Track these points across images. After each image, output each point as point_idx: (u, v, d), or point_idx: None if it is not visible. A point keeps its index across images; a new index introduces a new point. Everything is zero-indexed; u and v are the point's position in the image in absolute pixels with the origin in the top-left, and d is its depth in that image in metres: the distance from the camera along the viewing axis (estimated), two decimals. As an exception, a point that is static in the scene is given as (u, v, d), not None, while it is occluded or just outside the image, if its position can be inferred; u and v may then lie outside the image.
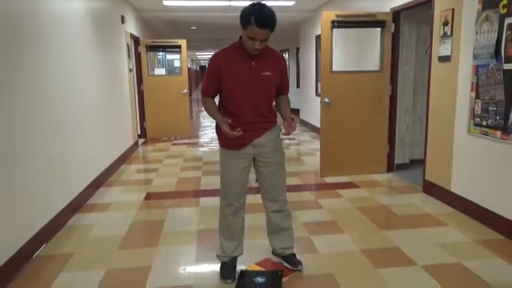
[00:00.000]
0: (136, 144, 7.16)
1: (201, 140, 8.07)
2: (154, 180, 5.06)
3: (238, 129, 2.29)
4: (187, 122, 8.47)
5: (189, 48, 9.31)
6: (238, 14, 2.22)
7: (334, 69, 4.79)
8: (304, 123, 9.64)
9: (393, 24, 4.79)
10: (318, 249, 2.97)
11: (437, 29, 3.88)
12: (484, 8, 3.21)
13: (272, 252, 2.78)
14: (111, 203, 4.12)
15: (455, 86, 3.64)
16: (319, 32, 5.61)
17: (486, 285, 2.43)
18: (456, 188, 3.72)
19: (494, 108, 3.15)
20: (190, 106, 12.18)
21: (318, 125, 5.39)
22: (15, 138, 2.78)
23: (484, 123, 3.27)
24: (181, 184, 4.84)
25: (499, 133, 3.12)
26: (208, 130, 9.39)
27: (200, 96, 2.72)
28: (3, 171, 2.60)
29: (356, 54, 5.90)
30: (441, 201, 3.91)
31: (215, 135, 2.60)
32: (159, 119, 8.15)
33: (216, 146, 6.94)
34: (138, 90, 7.90)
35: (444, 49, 3.78)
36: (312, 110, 8.52)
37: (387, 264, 2.72)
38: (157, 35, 10.56)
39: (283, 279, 2.51)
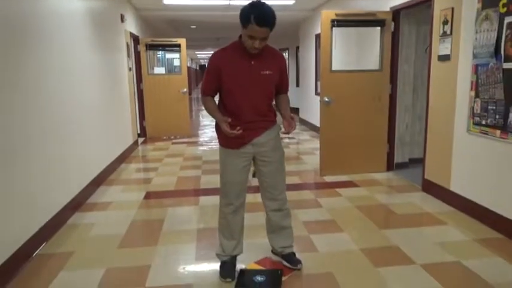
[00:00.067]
0: (136, 143, 7.16)
1: (201, 139, 8.07)
2: (154, 179, 5.06)
3: (238, 128, 2.29)
4: (187, 121, 8.47)
5: (188, 47, 9.31)
6: (238, 12, 2.22)
7: (333, 68, 4.79)
8: (303, 122, 9.64)
9: (393, 23, 4.79)
10: (317, 248, 2.97)
11: (437, 28, 3.88)
12: (483, 7, 3.21)
13: (272, 251, 2.78)
14: (110, 202, 4.13)
15: (454, 85, 3.64)
16: (318, 31, 5.61)
17: (485, 284, 2.43)
18: (455, 187, 3.73)
19: (494, 107, 3.15)
20: (189, 105, 12.18)
21: (318, 124, 5.39)
22: (15, 138, 2.78)
23: (484, 122, 3.27)
24: (181, 183, 4.84)
25: (498, 132, 3.12)
26: (207, 129, 9.39)
27: (200, 95, 2.72)
28: (3, 171, 2.60)
29: (356, 53, 5.91)
30: (440, 200, 3.91)
31: (215, 134, 2.60)
32: (159, 118, 8.15)
33: (215, 145, 6.94)
34: (137, 89, 7.89)
35: (444, 48, 3.78)
36: (312, 109, 8.52)
37: (386, 263, 2.72)
38: (157, 34, 10.55)
39: (283, 278, 2.52)
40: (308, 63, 9.08)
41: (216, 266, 2.64)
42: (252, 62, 2.34)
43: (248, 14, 2.16)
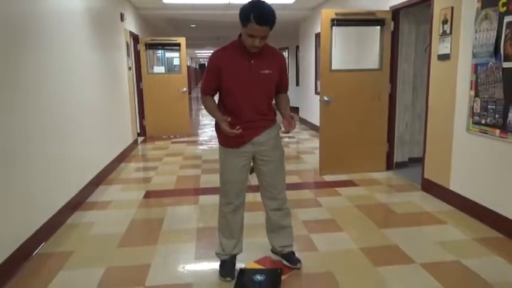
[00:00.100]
0: (135, 142, 7.16)
1: (201, 138, 8.07)
2: (153, 178, 5.06)
3: (238, 127, 2.29)
4: (187, 120, 8.47)
5: (188, 46, 9.30)
6: (238, 11, 2.22)
7: (333, 68, 4.79)
8: (303, 122, 9.64)
9: (392, 23, 4.79)
10: (317, 247, 2.97)
11: (437, 27, 3.88)
12: (483, 6, 3.21)
13: (271, 250, 2.78)
14: (110, 201, 4.13)
15: (454, 84, 3.64)
16: (318, 30, 5.62)
17: (485, 283, 2.44)
18: (455, 186, 3.73)
19: (493, 107, 3.15)
20: (189, 104, 12.17)
21: (318, 123, 5.39)
22: (15, 138, 2.78)
23: (483, 121, 3.27)
24: (180, 182, 4.84)
25: (497, 131, 3.12)
26: (207, 128, 9.39)
27: (200, 95, 2.72)
28: (3, 171, 2.60)
29: (355, 52, 5.90)
30: (440, 200, 3.91)
31: (214, 134, 2.60)
32: (159, 117, 8.14)
33: (215, 144, 6.94)
34: (137, 89, 7.89)
35: (443, 47, 3.78)
36: (312, 108, 8.52)
37: (386, 262, 2.72)
38: (157, 33, 10.54)
39: (283, 277, 2.52)
40: (308, 63, 9.08)
41: (215, 265, 2.64)
42: (252, 61, 2.34)
43: (248, 13, 2.16)
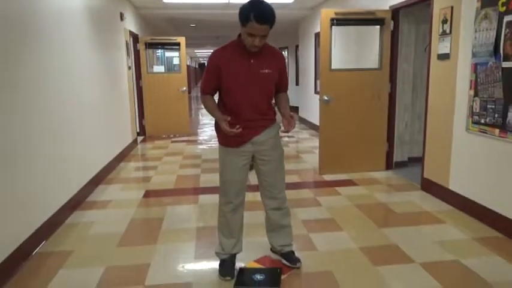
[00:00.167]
0: (135, 141, 7.16)
1: (200, 138, 8.07)
2: (153, 177, 5.06)
3: (238, 126, 2.29)
4: (186, 120, 8.47)
5: (188, 45, 9.30)
6: (237, 11, 2.22)
7: (333, 67, 4.79)
8: (303, 121, 9.64)
9: (392, 22, 4.79)
10: (316, 246, 2.97)
11: (436, 26, 3.88)
12: (483, 6, 3.21)
13: (271, 249, 2.79)
14: (110, 200, 4.13)
15: (454, 84, 3.65)
16: (318, 30, 5.62)
17: (484, 282, 2.44)
18: (454, 185, 3.73)
19: (493, 106, 3.15)
20: (189, 104, 12.16)
21: (317, 123, 5.39)
22: (15, 138, 2.78)
23: (483, 121, 3.28)
24: (180, 182, 4.84)
25: (497, 131, 3.12)
26: (207, 127, 9.39)
27: (199, 94, 2.72)
28: (3, 171, 2.60)
29: (355, 52, 5.91)
30: (439, 199, 3.92)
31: (214, 133, 2.60)
32: (158, 117, 8.14)
33: (215, 143, 6.94)
34: (137, 88, 7.89)
35: (443, 47, 3.78)
36: (311, 108, 8.52)
37: (385, 261, 2.72)
38: (156, 32, 10.53)
39: (282, 277, 2.52)
40: (307, 62, 9.08)
41: (215, 264, 2.64)
42: (252, 61, 2.34)
43: (248, 12, 2.16)
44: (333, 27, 4.70)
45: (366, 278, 2.54)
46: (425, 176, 4.21)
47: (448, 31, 3.70)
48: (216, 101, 2.50)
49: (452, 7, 3.62)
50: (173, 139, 7.88)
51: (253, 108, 2.40)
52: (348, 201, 3.98)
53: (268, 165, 2.51)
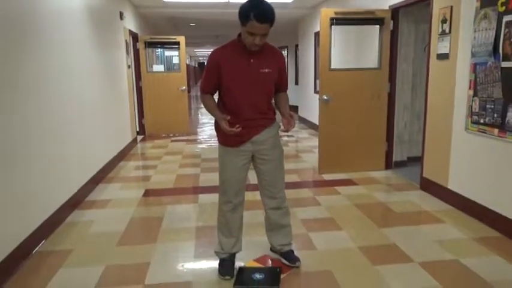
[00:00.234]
0: (135, 140, 7.16)
1: (200, 137, 8.07)
2: (153, 177, 5.06)
3: (237, 126, 2.30)
4: (186, 119, 8.47)
5: (187, 44, 9.30)
6: (237, 10, 2.22)
7: (332, 67, 4.79)
8: (302, 121, 9.64)
9: (392, 22, 4.79)
10: (316, 246, 2.98)
11: (436, 26, 3.88)
12: (482, 6, 3.21)
13: (270, 249, 2.79)
14: (110, 199, 4.13)
15: (453, 83, 3.65)
16: (318, 29, 5.62)
17: (483, 282, 2.45)
18: (454, 185, 3.74)
19: (492, 106, 3.16)
20: (188, 103, 12.16)
21: (317, 122, 5.40)
22: (15, 138, 2.78)
23: (482, 121, 3.28)
24: (180, 181, 4.85)
25: (496, 131, 3.13)
26: (206, 127, 9.39)
27: (199, 93, 2.72)
28: (3, 171, 2.60)
29: (355, 51, 5.91)
30: (438, 199, 3.92)
31: (214, 132, 2.61)
32: (158, 116, 8.14)
33: (214, 142, 6.94)
34: (136, 87, 7.88)
35: (442, 47, 3.79)
36: (311, 107, 8.53)
37: (385, 261, 2.73)
38: (156, 32, 10.53)
39: (282, 276, 2.53)
40: (307, 62, 9.08)
41: (215, 263, 2.65)
42: (252, 60, 2.34)
43: (248, 11, 2.17)
44: (333, 26, 4.70)
45: (365, 277, 2.55)
46: (424, 175, 4.21)
47: (447, 31, 3.70)
48: (216, 100, 2.51)
49: (451, 7, 3.62)
50: (173, 138, 7.88)
51: (253, 107, 2.40)
52: (347, 200, 3.99)
53: (267, 164, 2.52)
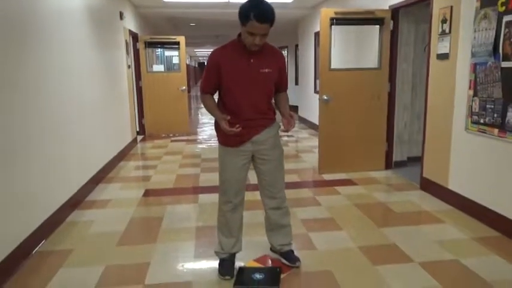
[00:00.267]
0: (134, 140, 7.16)
1: (200, 137, 8.07)
2: (153, 177, 5.06)
3: (237, 126, 2.30)
4: (186, 119, 8.47)
5: (187, 44, 9.30)
6: (237, 10, 2.22)
7: (332, 67, 4.80)
8: (302, 121, 9.65)
9: (392, 22, 4.80)
10: (316, 246, 2.98)
11: (436, 26, 3.88)
12: (482, 6, 3.21)
13: (270, 249, 2.79)
14: (110, 199, 4.13)
15: (453, 83, 3.65)
16: (318, 29, 5.62)
17: (483, 282, 2.45)
18: (454, 185, 3.74)
19: (492, 106, 3.16)
20: (188, 103, 12.16)
21: (317, 122, 5.40)
22: (15, 138, 2.78)
23: (482, 121, 3.28)
24: (180, 181, 4.85)
25: (496, 131, 3.13)
26: (206, 127, 9.40)
27: (199, 93, 2.72)
28: (3, 171, 2.60)
29: (355, 51, 5.91)
30: (438, 199, 3.92)
31: (214, 132, 2.61)
32: (158, 116, 8.14)
33: (214, 142, 6.94)
34: (136, 87, 7.88)
35: (442, 47, 3.79)
36: (311, 107, 8.53)
37: (385, 261, 2.73)
38: (156, 32, 10.53)
39: (282, 276, 2.53)
40: (307, 62, 9.08)
41: (215, 263, 2.65)
42: (252, 60, 2.34)
43: (248, 11, 2.17)
44: (333, 26, 4.70)
45: (365, 277, 2.55)
46: (424, 175, 4.21)
47: (447, 31, 3.70)
48: (216, 100, 2.51)
49: (451, 7, 3.62)
50: (173, 138, 7.88)
51: (253, 107, 2.40)
52: (347, 200, 3.99)
53: (267, 164, 2.52)
